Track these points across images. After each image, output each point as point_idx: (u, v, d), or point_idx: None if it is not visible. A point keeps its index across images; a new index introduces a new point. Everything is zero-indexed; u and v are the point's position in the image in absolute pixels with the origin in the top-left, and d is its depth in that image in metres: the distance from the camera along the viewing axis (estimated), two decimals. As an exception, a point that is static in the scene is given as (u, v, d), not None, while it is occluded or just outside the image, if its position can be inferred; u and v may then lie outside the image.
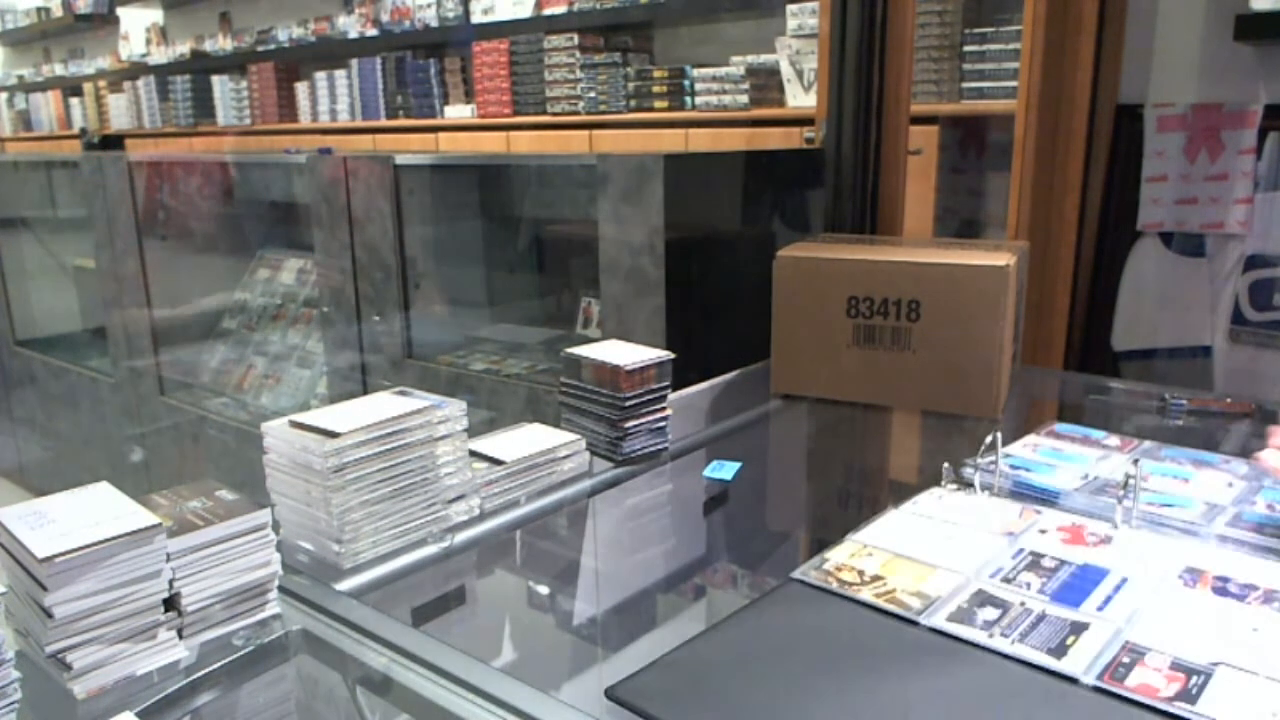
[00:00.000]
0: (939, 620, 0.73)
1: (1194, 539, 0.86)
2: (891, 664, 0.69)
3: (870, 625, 0.74)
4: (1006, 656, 0.69)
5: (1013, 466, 1.01)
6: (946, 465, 1.03)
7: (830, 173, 1.79)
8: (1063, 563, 0.82)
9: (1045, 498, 0.96)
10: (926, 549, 0.85)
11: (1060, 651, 0.68)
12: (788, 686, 0.66)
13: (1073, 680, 0.66)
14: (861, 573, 0.81)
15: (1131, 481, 0.90)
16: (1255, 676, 0.65)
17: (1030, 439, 1.13)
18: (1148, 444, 1.10)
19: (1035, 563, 0.82)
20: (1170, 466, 1.03)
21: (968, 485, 0.99)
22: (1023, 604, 0.75)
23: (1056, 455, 1.07)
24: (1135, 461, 0.94)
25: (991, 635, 0.71)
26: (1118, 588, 0.77)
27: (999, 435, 0.98)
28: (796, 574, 0.81)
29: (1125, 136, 1.70)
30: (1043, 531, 0.88)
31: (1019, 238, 1.71)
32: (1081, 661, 0.67)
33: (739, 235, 1.84)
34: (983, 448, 0.98)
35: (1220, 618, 0.72)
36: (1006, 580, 0.79)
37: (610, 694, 0.65)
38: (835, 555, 0.84)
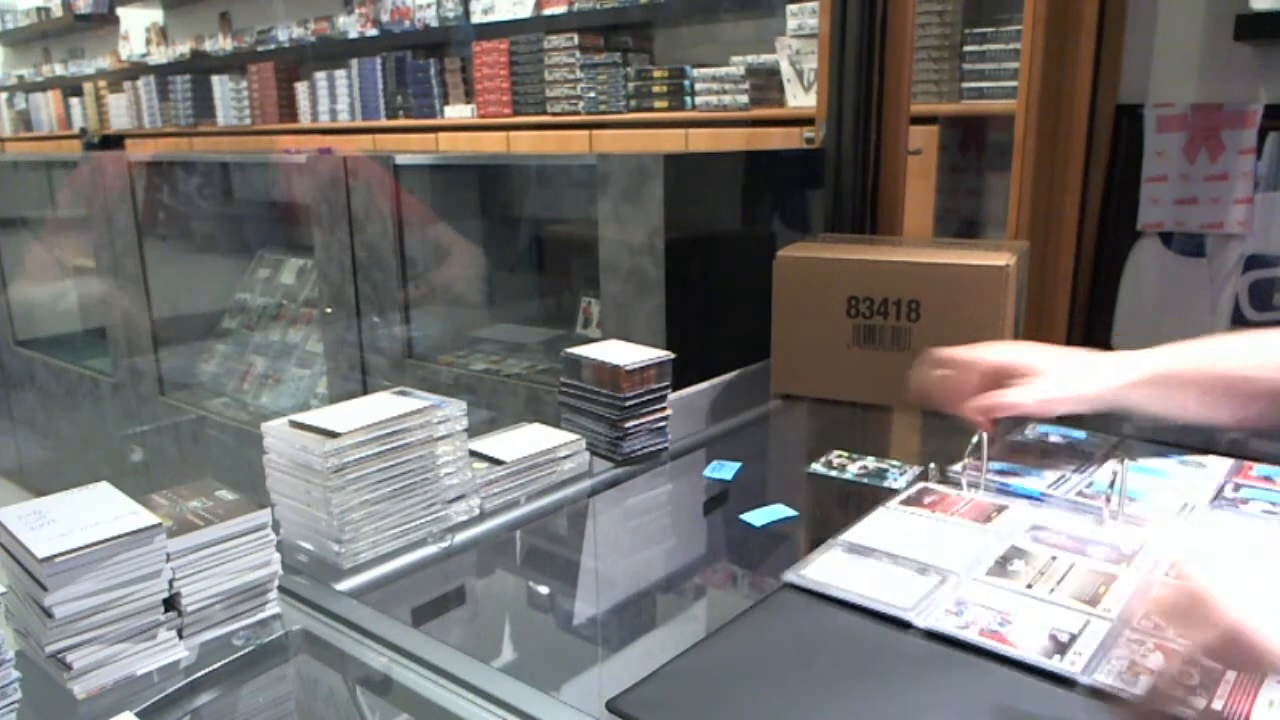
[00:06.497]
0: (933, 621, 0.73)
1: (1179, 535, 0.87)
2: (891, 671, 0.69)
3: (866, 631, 0.74)
4: (1004, 659, 0.69)
5: (999, 471, 1.01)
6: (932, 465, 1.03)
7: (830, 173, 1.78)
8: (1052, 560, 0.82)
9: (1029, 497, 0.96)
10: (914, 547, 0.85)
11: (1059, 650, 0.68)
12: (789, 696, 0.66)
13: (1071, 682, 0.66)
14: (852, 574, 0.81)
15: (1116, 480, 0.91)
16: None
17: (1013, 440, 1.13)
18: (1128, 442, 1.11)
19: (1025, 561, 0.82)
20: (1151, 465, 1.03)
21: (954, 485, 0.99)
22: (1014, 603, 0.75)
23: (1040, 456, 1.07)
24: (1122, 460, 0.94)
25: (986, 636, 0.71)
26: (1109, 585, 0.77)
27: (984, 436, 0.98)
28: (789, 576, 0.81)
29: (1125, 136, 1.70)
30: (1029, 529, 0.88)
31: (1019, 238, 1.71)
32: (1079, 661, 0.67)
33: (739, 235, 1.84)
34: (969, 448, 0.99)
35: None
36: (997, 578, 0.79)
37: (611, 706, 0.65)
38: (824, 558, 0.84)
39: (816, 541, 0.87)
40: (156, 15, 5.81)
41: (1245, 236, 1.60)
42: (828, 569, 0.82)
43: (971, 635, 0.71)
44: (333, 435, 0.85)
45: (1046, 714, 0.63)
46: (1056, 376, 0.96)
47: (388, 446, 0.88)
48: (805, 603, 0.78)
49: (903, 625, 0.74)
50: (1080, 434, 1.14)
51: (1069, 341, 1.76)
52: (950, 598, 0.76)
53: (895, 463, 1.11)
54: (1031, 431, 1.16)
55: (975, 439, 0.98)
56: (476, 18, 3.81)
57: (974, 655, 0.70)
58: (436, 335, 2.40)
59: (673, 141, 3.07)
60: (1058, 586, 0.77)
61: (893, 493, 1.00)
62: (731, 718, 0.65)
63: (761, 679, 0.68)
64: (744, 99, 3.04)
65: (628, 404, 1.09)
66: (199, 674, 0.71)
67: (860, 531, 0.89)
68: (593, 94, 3.46)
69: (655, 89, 3.28)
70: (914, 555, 0.83)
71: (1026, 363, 0.98)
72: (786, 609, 0.78)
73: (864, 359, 1.33)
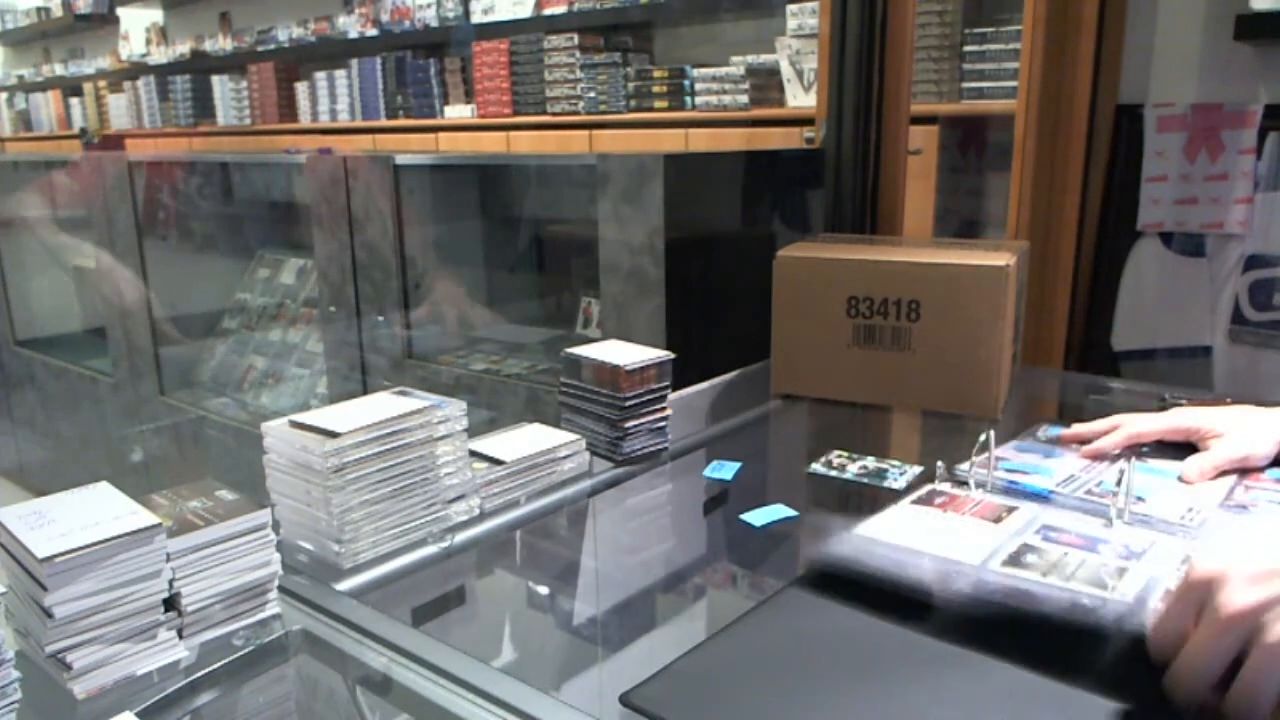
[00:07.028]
0: (994, 564, 0.75)
1: (1186, 535, 0.86)
2: (904, 670, 0.69)
3: (880, 630, 0.74)
4: (1016, 654, 0.69)
5: (1007, 469, 1.01)
6: (940, 464, 1.03)
7: (830, 173, 1.79)
8: (1064, 556, 0.82)
9: (1038, 496, 0.96)
10: (927, 542, 0.85)
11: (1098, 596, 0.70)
12: (801, 692, 0.67)
13: (1095, 654, 0.66)
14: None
15: (1123, 479, 0.91)
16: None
17: (1021, 440, 1.13)
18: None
19: (1039, 556, 0.82)
20: (1159, 465, 1.03)
21: (962, 484, 0.99)
22: (1034, 590, 0.75)
23: (1047, 454, 1.07)
24: (1129, 459, 0.94)
25: (1040, 582, 0.73)
26: (1122, 575, 0.77)
27: (992, 434, 0.98)
28: (816, 561, 0.81)
29: (1125, 136, 1.70)
30: (1040, 529, 0.88)
31: (1019, 238, 1.71)
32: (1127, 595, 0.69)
33: (739, 235, 1.84)
34: (976, 447, 0.99)
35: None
36: (1012, 568, 0.79)
37: (624, 700, 0.65)
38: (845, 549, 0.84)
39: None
40: (156, 15, 5.82)
41: (1245, 236, 1.60)
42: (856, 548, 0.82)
43: (1030, 577, 0.73)
44: (333, 435, 0.85)
45: (1053, 714, 0.63)
46: (1240, 436, 1.01)
47: (388, 446, 0.88)
48: (815, 600, 0.78)
49: (919, 619, 0.74)
50: None
51: (1069, 341, 1.76)
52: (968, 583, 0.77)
53: (895, 463, 1.11)
54: (1043, 432, 1.16)
55: (983, 437, 0.98)
56: (476, 18, 3.81)
57: (983, 655, 0.70)
58: (436, 335, 2.40)
59: (673, 141, 3.07)
60: (1072, 577, 0.78)
61: (893, 492, 1.00)
62: (745, 713, 0.65)
63: (774, 675, 0.68)
64: (744, 99, 3.04)
65: (628, 404, 1.09)
66: (199, 674, 0.71)
67: (874, 526, 0.88)
68: (593, 94, 3.46)
69: (655, 89, 3.28)
70: (927, 549, 0.83)
71: (1204, 425, 1.03)
72: (797, 606, 0.78)
73: (864, 359, 1.33)
